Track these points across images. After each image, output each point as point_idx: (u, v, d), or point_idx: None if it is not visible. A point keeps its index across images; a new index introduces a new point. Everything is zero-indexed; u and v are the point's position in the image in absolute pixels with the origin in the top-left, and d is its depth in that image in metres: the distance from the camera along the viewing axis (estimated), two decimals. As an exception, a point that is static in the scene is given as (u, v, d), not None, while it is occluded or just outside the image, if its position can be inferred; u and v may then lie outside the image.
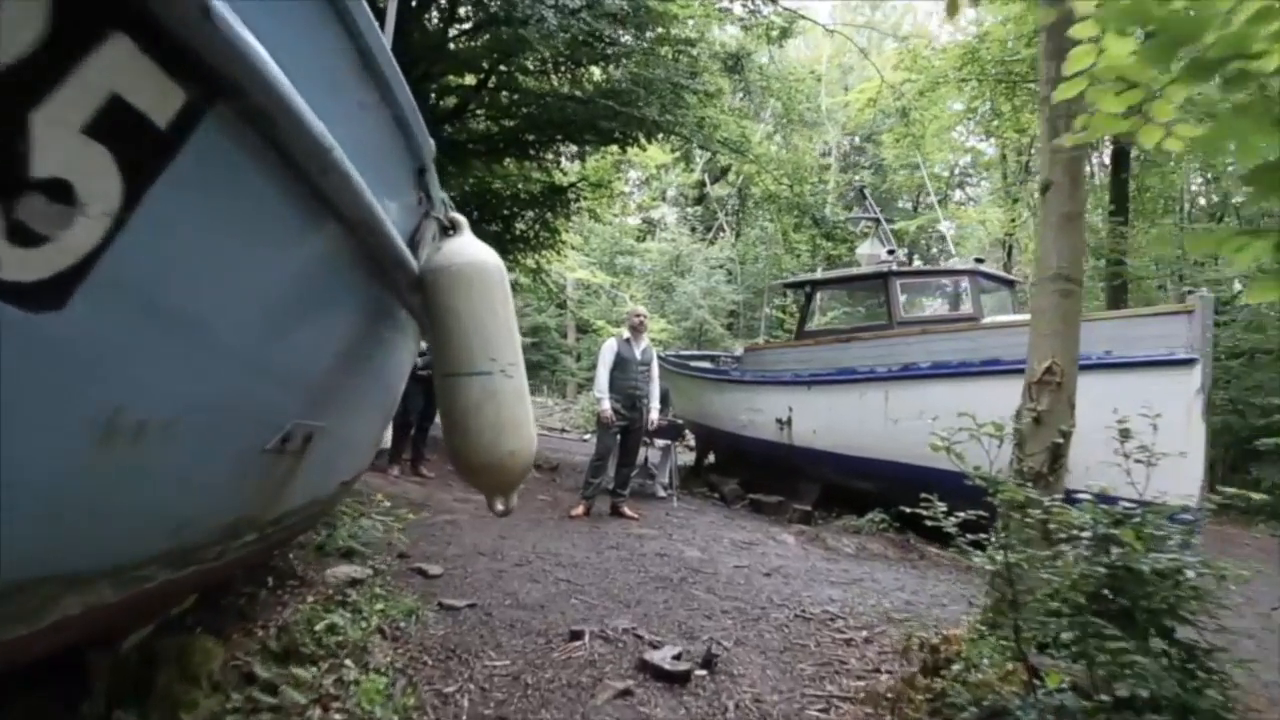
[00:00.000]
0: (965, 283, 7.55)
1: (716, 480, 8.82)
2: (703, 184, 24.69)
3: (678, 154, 16.95)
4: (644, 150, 11.34)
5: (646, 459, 7.96)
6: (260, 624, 2.32)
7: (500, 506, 2.30)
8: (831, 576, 4.72)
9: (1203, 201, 17.61)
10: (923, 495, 2.41)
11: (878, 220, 8.82)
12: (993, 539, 2.85)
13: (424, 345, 2.90)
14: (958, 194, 25.80)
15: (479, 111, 9.98)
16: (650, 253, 23.19)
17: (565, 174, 11.87)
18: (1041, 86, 3.24)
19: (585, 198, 11.38)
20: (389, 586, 3.15)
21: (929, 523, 2.36)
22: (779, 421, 7.69)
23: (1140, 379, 5.18)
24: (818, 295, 8.67)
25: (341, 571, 3.08)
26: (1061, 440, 3.06)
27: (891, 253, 7.98)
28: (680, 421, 8.57)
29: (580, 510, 6.03)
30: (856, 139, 25.93)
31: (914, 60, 12.20)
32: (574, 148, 11.00)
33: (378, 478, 6.54)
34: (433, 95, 9.63)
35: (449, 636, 2.72)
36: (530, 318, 22.27)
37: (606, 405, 6.04)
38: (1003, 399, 5.88)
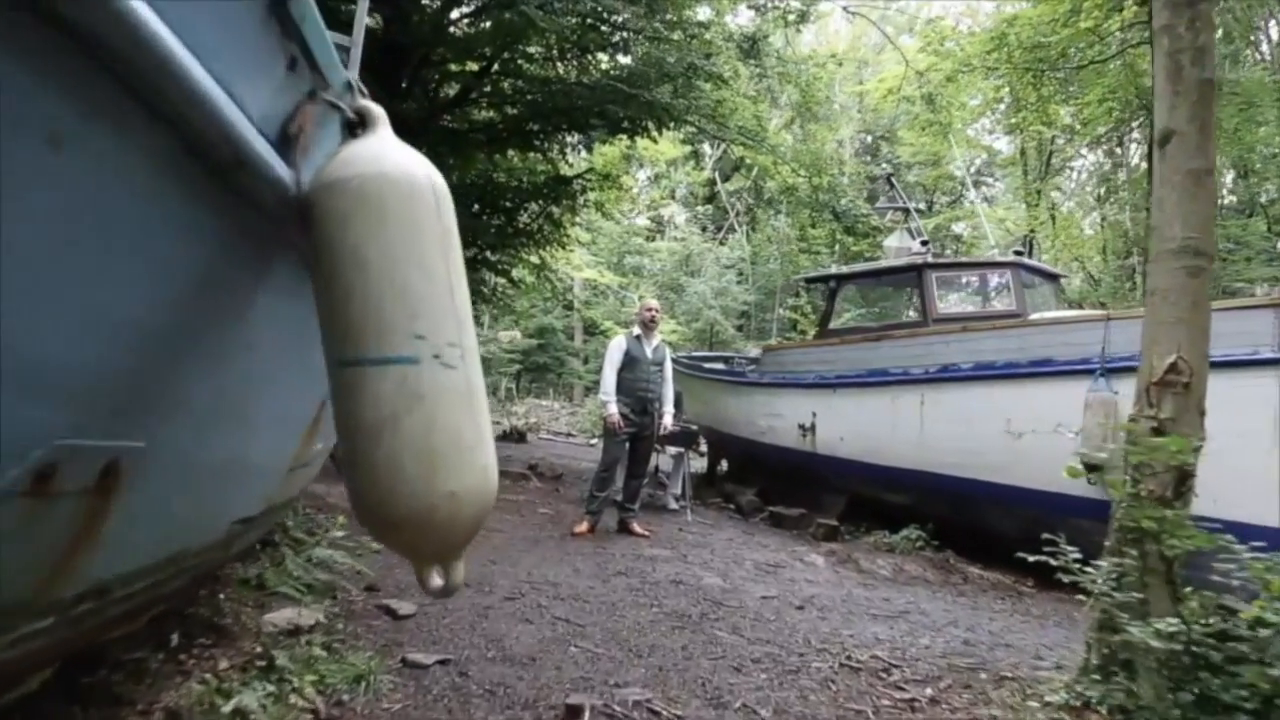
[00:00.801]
0: (1007, 276, 6.90)
1: (732, 490, 8.21)
2: (713, 182, 24.13)
3: (689, 147, 16.38)
4: (654, 141, 10.79)
5: (658, 468, 7.34)
6: (141, 708, 1.70)
7: (438, 582, 1.37)
8: (872, 608, 4.10)
9: (1231, 199, 16.90)
10: (1045, 535, 1.78)
11: (907, 210, 8.13)
12: (1099, 581, 2.27)
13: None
14: (972, 193, 25.09)
15: (481, 100, 9.45)
16: (660, 252, 22.67)
17: (571, 166, 11.31)
18: (1157, 14, 2.60)
19: (592, 190, 10.82)
20: (341, 635, 2.53)
21: (1054, 564, 1.72)
22: (801, 427, 7.10)
23: (1217, 381, 4.61)
24: (843, 291, 8.03)
25: (282, 617, 2.46)
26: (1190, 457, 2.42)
27: (925, 244, 7.32)
28: (694, 427, 7.96)
29: (584, 527, 5.40)
30: (869, 138, 25.28)
31: (940, 42, 11.53)
32: (580, 137, 10.45)
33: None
34: (433, 82, 9.14)
35: (407, 712, 2.09)
36: (536, 318, 21.74)
37: (613, 409, 5.39)
38: (1055, 404, 5.23)
